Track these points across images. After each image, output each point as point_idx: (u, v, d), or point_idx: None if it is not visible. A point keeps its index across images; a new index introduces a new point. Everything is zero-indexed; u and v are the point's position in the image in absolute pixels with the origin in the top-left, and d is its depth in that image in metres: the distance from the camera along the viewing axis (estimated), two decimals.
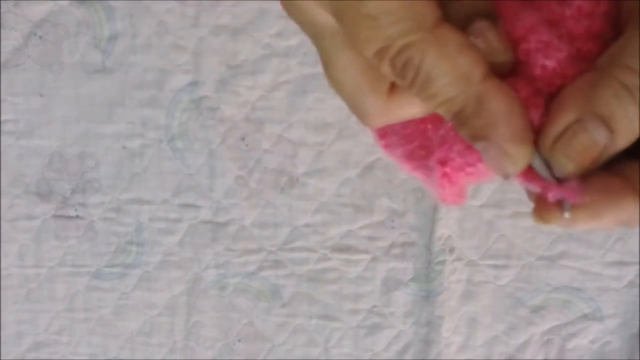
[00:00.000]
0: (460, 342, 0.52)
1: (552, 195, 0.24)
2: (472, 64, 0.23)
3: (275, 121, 0.49)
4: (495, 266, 0.50)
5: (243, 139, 0.50)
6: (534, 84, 0.25)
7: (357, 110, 0.26)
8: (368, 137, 0.48)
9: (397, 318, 0.52)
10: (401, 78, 0.24)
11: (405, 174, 0.39)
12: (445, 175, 0.28)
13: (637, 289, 0.50)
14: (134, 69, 0.49)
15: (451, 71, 0.23)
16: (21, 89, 0.50)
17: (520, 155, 0.24)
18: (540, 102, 0.24)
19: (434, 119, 0.28)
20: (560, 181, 0.24)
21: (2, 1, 0.48)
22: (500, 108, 0.23)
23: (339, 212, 0.50)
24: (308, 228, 0.51)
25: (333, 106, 0.49)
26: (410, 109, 0.26)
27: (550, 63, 0.25)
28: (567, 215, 0.24)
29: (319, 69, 0.28)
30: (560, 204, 0.24)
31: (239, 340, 0.53)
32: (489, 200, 0.49)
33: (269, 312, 0.53)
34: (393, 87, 0.26)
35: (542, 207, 0.25)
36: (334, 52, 0.25)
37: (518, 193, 0.49)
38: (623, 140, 0.23)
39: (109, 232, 0.52)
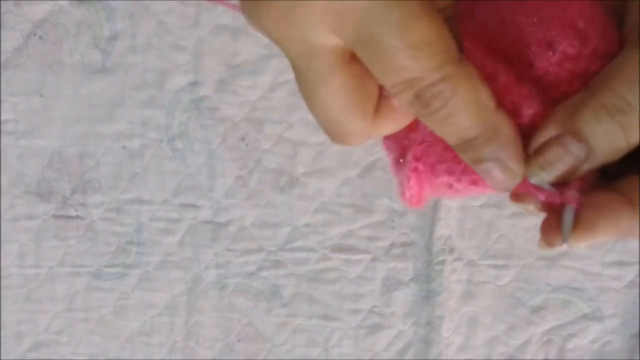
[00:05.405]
0: (460, 342, 0.52)
1: (551, 198, 0.25)
2: (489, 95, 0.25)
3: (275, 121, 0.49)
4: (495, 266, 0.50)
5: (243, 139, 0.50)
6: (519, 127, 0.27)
7: (341, 130, 0.27)
8: None
9: (397, 318, 0.52)
10: (423, 108, 0.25)
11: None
12: (415, 170, 0.28)
13: (637, 289, 0.50)
14: (134, 69, 0.49)
15: (476, 104, 0.24)
16: (21, 89, 0.50)
17: (521, 171, 0.26)
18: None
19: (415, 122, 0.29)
20: (560, 191, 0.26)
21: (2, 1, 0.48)
22: (510, 134, 0.26)
23: (339, 212, 0.50)
24: (308, 228, 0.51)
25: None
26: (391, 126, 0.27)
27: (529, 111, 0.27)
28: (568, 220, 0.25)
29: None
30: (559, 222, 0.26)
31: (239, 340, 0.53)
32: (489, 200, 0.49)
33: (269, 312, 0.53)
34: (377, 107, 0.27)
35: (547, 229, 0.27)
36: (323, 72, 0.25)
37: None
38: (602, 156, 0.25)
39: (109, 232, 0.52)
